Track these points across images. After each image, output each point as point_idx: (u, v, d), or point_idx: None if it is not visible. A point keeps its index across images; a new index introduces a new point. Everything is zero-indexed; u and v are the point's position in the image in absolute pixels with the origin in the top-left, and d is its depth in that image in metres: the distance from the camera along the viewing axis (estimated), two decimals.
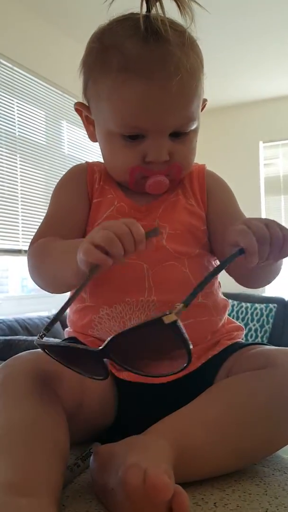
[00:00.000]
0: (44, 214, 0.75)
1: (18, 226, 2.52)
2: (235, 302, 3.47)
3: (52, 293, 0.71)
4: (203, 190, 0.74)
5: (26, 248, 2.87)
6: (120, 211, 0.71)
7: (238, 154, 3.98)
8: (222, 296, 0.76)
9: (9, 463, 0.43)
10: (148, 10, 0.64)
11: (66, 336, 0.75)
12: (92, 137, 0.74)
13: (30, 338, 2.04)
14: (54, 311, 2.80)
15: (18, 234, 2.52)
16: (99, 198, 0.73)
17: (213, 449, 0.53)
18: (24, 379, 0.53)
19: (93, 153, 3.01)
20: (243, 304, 3.47)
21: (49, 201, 0.77)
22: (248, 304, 3.46)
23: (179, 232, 0.70)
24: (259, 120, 3.93)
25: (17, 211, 2.51)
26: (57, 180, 0.78)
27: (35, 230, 0.73)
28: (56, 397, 0.53)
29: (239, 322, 3.21)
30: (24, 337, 2.06)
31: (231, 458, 0.55)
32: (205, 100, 0.73)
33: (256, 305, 3.44)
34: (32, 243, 0.71)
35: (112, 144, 0.69)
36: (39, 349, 0.61)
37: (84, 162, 0.79)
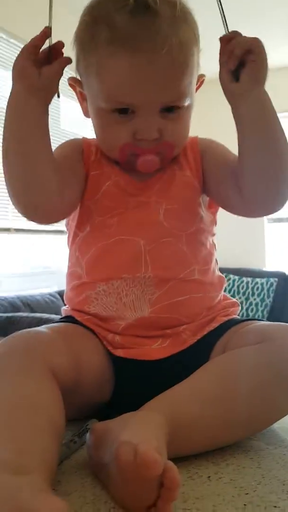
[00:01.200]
0: None
1: (8, 204, 2.48)
2: (236, 277, 3.47)
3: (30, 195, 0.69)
4: (198, 159, 0.73)
5: (16, 226, 2.74)
6: (117, 185, 0.71)
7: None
8: (219, 273, 0.76)
9: (3, 441, 0.44)
10: None
11: (63, 315, 0.76)
12: (86, 113, 0.73)
13: (32, 314, 2.05)
14: (56, 288, 2.80)
15: (7, 212, 2.48)
16: (97, 171, 0.72)
17: (208, 424, 0.54)
18: (19, 356, 0.54)
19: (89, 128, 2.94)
20: (244, 279, 3.47)
21: None
22: (249, 279, 3.46)
23: (176, 207, 0.70)
24: None
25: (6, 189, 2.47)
26: None
27: None
28: (51, 374, 0.53)
29: (240, 297, 3.19)
30: (26, 314, 2.07)
31: (226, 432, 0.56)
32: (202, 76, 0.70)
33: (257, 279, 3.44)
34: None
35: (102, 120, 0.67)
36: (38, 327, 0.61)
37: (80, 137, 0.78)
